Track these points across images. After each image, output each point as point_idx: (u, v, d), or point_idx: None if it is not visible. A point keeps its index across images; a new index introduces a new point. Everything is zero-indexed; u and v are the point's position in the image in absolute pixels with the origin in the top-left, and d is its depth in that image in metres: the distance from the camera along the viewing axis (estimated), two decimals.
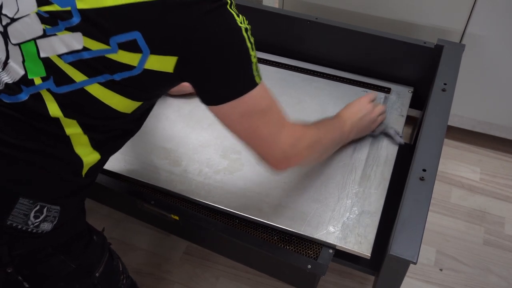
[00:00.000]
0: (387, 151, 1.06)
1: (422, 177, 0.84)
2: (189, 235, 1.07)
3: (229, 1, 0.66)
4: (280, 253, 0.88)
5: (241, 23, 0.66)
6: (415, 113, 1.30)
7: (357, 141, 1.08)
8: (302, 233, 0.91)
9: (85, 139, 0.69)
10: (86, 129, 0.68)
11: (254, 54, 0.68)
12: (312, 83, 1.24)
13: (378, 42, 1.21)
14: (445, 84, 1.04)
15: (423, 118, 1.00)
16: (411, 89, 1.22)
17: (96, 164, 0.73)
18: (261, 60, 1.31)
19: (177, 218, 0.94)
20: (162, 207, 0.95)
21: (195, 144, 1.09)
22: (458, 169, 1.49)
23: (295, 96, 1.20)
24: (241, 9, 1.28)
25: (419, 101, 1.24)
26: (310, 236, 0.90)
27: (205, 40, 0.63)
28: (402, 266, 0.80)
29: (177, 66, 0.65)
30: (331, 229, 0.91)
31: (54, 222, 0.67)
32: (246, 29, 0.67)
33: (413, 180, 0.84)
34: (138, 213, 1.09)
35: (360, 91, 1.22)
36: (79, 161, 0.69)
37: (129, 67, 0.64)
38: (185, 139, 1.10)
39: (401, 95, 1.20)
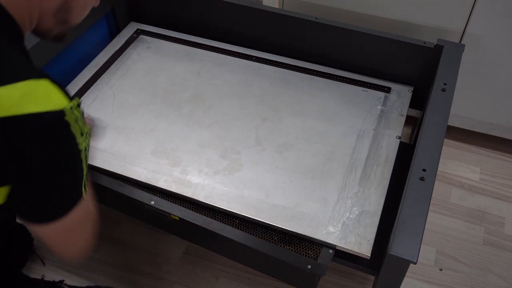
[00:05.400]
0: (387, 151, 1.06)
1: (422, 177, 0.85)
2: (189, 235, 1.07)
3: (70, 122, 0.57)
4: (280, 253, 0.88)
5: (83, 141, 0.61)
6: (415, 113, 1.30)
7: (357, 141, 1.09)
8: (302, 233, 0.91)
9: None
10: None
11: (87, 171, 0.65)
12: (312, 83, 1.24)
13: (378, 42, 1.21)
14: (445, 84, 1.04)
15: (423, 118, 1.00)
16: (411, 88, 1.22)
17: None
18: (261, 60, 1.31)
19: (177, 218, 0.94)
20: (162, 207, 0.95)
21: (195, 144, 1.08)
22: (458, 169, 1.49)
23: (295, 96, 1.20)
24: (241, 9, 1.29)
25: (419, 101, 1.24)
26: (310, 236, 0.90)
27: (38, 163, 0.57)
28: (402, 266, 0.80)
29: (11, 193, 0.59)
30: (331, 229, 0.91)
31: None
32: (85, 149, 0.62)
33: (413, 180, 0.84)
34: (138, 213, 1.09)
35: (360, 91, 1.22)
36: None
37: None
38: (185, 139, 1.10)
39: (401, 95, 1.20)
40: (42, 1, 0.63)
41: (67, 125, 0.56)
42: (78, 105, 0.60)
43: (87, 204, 0.69)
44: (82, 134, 0.60)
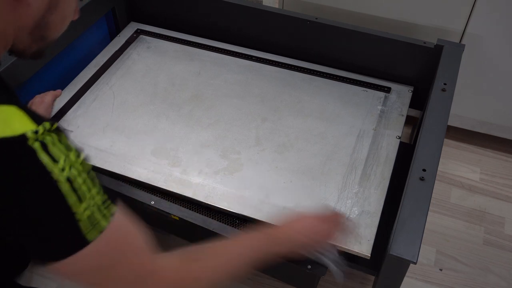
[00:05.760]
0: (387, 151, 1.06)
1: (422, 177, 0.85)
2: (189, 235, 1.07)
3: (38, 149, 0.49)
4: None
5: (62, 170, 0.51)
6: (415, 113, 1.30)
7: (357, 141, 1.09)
8: None
9: None
10: None
11: (88, 204, 0.53)
12: (312, 83, 1.24)
13: (378, 42, 1.21)
14: (445, 84, 1.04)
15: (423, 118, 1.00)
16: (411, 88, 1.22)
17: None
18: (261, 60, 1.31)
19: (177, 218, 0.94)
20: (162, 207, 0.95)
21: (195, 144, 1.08)
22: (458, 169, 1.49)
23: (295, 96, 1.20)
24: (241, 9, 1.29)
25: (419, 101, 1.24)
26: None
27: (5, 202, 0.50)
28: (402, 266, 0.80)
29: None
30: None
31: None
32: (68, 179, 0.51)
33: (413, 180, 0.84)
34: (138, 213, 1.08)
35: (360, 91, 1.22)
36: None
37: None
38: (185, 139, 1.10)
39: (401, 95, 1.20)
40: (17, 19, 0.58)
41: (30, 151, 0.49)
42: (56, 129, 0.53)
43: (110, 255, 0.58)
44: (57, 161, 0.51)
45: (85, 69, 1.28)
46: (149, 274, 0.62)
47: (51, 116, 1.14)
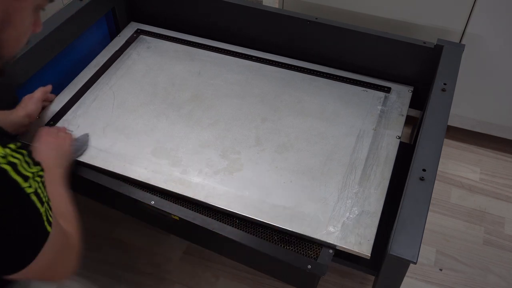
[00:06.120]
0: (387, 151, 1.06)
1: (422, 177, 0.85)
2: (189, 235, 1.07)
3: (7, 168, 0.54)
4: (280, 253, 0.88)
5: (30, 186, 0.57)
6: (415, 113, 1.30)
7: (357, 141, 1.09)
8: (302, 233, 0.91)
9: None
10: None
11: (44, 206, 0.60)
12: (312, 83, 1.24)
13: (378, 42, 1.21)
14: (445, 84, 1.04)
15: (423, 118, 1.00)
16: (411, 88, 1.22)
17: None
18: (261, 60, 1.31)
19: (177, 218, 0.94)
20: (162, 207, 0.95)
21: (195, 144, 1.08)
22: (458, 169, 1.49)
23: (295, 96, 1.20)
24: (241, 9, 1.29)
25: (419, 101, 1.24)
26: (310, 236, 0.90)
27: None
28: (402, 266, 0.80)
29: None
30: (331, 229, 0.91)
31: None
32: (37, 189, 0.58)
33: (413, 180, 0.84)
34: (138, 213, 1.09)
35: (360, 91, 1.22)
36: None
37: None
38: (185, 139, 1.10)
39: (401, 95, 1.20)
40: None
41: (3, 172, 0.53)
42: (19, 148, 0.57)
43: (57, 235, 0.65)
44: (26, 178, 0.56)
45: (85, 69, 1.28)
46: (74, 245, 0.73)
47: (51, 116, 1.14)
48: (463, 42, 1.31)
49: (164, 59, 1.32)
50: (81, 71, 1.27)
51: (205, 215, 0.96)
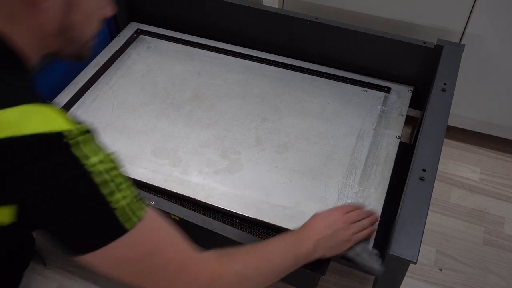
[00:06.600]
0: (387, 151, 1.06)
1: (422, 177, 0.85)
2: (189, 235, 1.07)
3: (71, 142, 0.53)
4: None
5: (93, 165, 0.54)
6: (415, 113, 1.30)
7: (357, 141, 1.09)
8: None
9: None
10: None
11: (123, 195, 0.56)
12: (312, 83, 1.24)
13: (378, 42, 1.21)
14: (445, 84, 1.04)
15: (423, 118, 1.00)
16: (411, 88, 1.22)
17: None
18: (261, 60, 1.31)
19: (177, 218, 0.94)
20: (162, 207, 0.95)
21: (195, 144, 1.09)
22: (458, 169, 1.49)
23: (295, 96, 1.20)
24: (241, 9, 1.29)
25: (419, 101, 1.24)
26: None
27: (39, 184, 0.53)
28: (402, 266, 0.80)
29: (19, 214, 0.55)
30: None
31: None
32: (99, 173, 0.55)
33: (413, 180, 0.84)
34: None
35: (360, 91, 1.22)
36: None
37: None
38: (185, 139, 1.10)
39: (401, 95, 1.20)
40: (37, 25, 0.60)
41: (66, 146, 0.53)
42: (88, 132, 0.56)
43: (147, 245, 0.59)
44: (89, 156, 0.54)
45: (85, 69, 1.28)
46: (186, 267, 0.63)
47: None
48: (463, 42, 1.31)
49: (164, 59, 1.32)
50: (81, 71, 1.27)
51: (205, 215, 0.96)
